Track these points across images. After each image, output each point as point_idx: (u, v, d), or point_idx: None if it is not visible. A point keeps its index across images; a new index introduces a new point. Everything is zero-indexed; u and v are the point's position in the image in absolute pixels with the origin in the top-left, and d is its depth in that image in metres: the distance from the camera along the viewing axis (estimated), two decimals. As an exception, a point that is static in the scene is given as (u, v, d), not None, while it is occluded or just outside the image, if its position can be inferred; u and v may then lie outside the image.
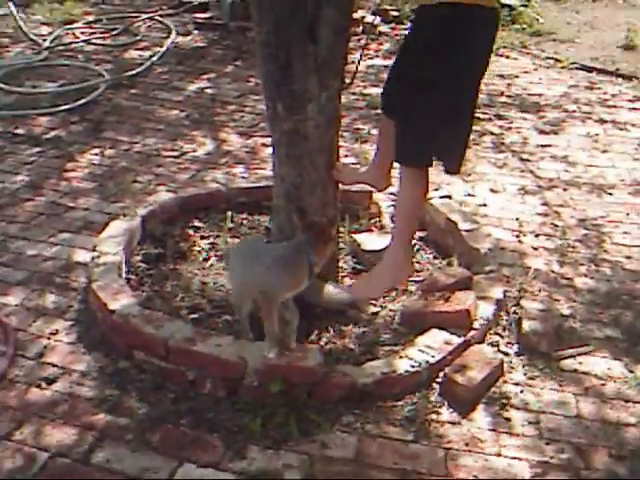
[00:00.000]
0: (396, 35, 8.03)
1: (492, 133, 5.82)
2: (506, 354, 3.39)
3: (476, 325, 3.38)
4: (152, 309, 3.38)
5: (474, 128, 5.67)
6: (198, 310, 3.50)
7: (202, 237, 4.09)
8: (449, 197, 4.45)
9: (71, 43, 7.56)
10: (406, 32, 7.85)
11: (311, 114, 3.28)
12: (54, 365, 3.26)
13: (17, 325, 3.49)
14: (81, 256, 4.01)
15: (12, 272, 3.89)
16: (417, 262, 3.93)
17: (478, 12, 2.86)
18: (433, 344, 3.24)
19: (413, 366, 3.12)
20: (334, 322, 3.47)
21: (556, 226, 4.56)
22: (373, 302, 3.59)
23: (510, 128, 5.95)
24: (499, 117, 6.14)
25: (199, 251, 3.98)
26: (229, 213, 4.19)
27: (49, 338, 3.43)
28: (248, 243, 3.76)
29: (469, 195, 4.80)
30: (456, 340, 3.27)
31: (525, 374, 3.29)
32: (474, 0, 2.84)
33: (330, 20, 3.23)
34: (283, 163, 3.40)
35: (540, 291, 3.88)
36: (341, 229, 3.79)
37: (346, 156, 5.21)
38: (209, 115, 5.89)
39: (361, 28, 7.50)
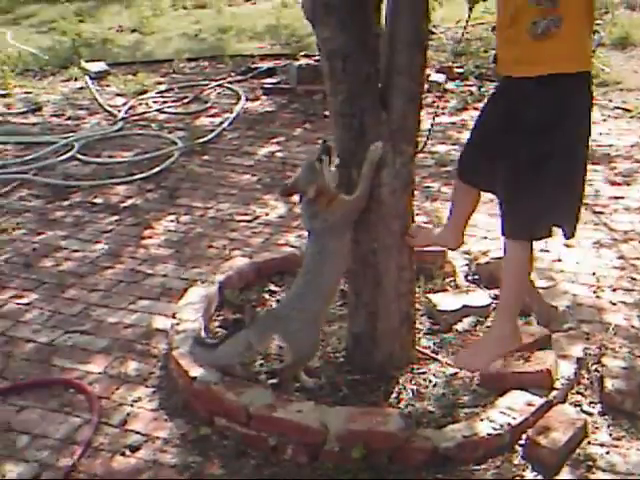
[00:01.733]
0: (461, 92, 8.07)
1: (563, 187, 5.76)
2: (589, 414, 3.33)
3: (557, 385, 3.34)
4: (232, 375, 3.42)
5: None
6: (277, 375, 3.52)
7: (278, 301, 4.13)
8: (523, 254, 4.41)
9: (144, 113, 7.80)
10: (472, 88, 7.86)
11: (386, 180, 3.33)
12: (137, 432, 3.32)
13: (101, 393, 3.57)
14: (161, 323, 4.10)
15: (94, 340, 4.00)
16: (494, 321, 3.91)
17: (582, 78, 2.86)
18: (514, 405, 3.20)
19: (495, 429, 3.08)
20: (413, 384, 3.46)
21: (634, 279, 4.48)
22: (451, 364, 3.57)
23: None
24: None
25: (275, 315, 4.01)
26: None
27: (132, 405, 3.50)
28: None
29: (543, 251, 4.75)
30: (538, 401, 3.23)
31: (610, 434, 3.23)
32: (578, 67, 2.84)
33: (402, 87, 3.31)
34: (358, 228, 3.44)
35: (621, 347, 3.80)
36: (416, 289, 3.79)
37: (417, 214, 5.21)
38: (280, 179, 5.99)
39: (426, 86, 7.58)
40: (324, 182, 3.31)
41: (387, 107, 3.32)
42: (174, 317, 3.89)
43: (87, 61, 9.40)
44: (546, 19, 2.76)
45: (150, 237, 5.14)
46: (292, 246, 4.74)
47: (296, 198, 3.47)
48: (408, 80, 3.32)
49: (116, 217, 5.46)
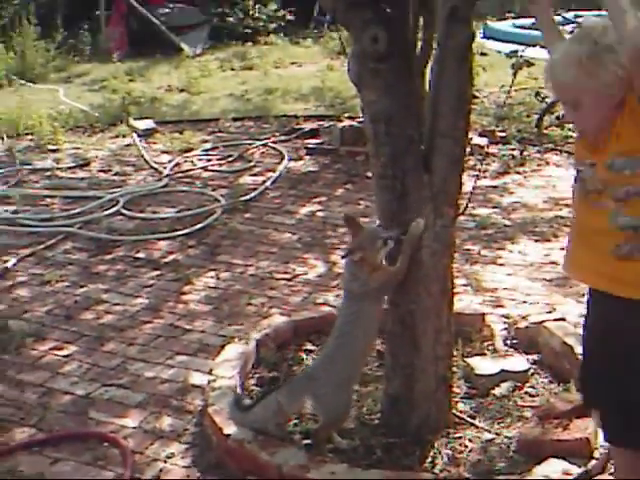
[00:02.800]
0: (503, 156, 8.08)
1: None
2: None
3: (596, 454, 3.26)
4: (266, 434, 3.40)
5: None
6: (311, 434, 3.50)
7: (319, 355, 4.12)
8: (563, 319, 4.35)
9: (189, 170, 7.93)
10: (514, 152, 7.82)
11: (426, 242, 3.34)
12: (170, 489, 3.31)
13: (135, 447, 3.57)
14: (197, 379, 4.10)
15: (131, 394, 4.01)
16: (532, 387, 3.86)
17: None
18: (552, 474, 3.13)
19: (532, 498, 3.02)
20: (448, 448, 3.41)
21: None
22: (488, 429, 3.52)
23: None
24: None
25: (311, 374, 4.00)
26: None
27: (165, 461, 3.49)
28: None
29: (583, 316, 4.68)
30: (576, 470, 3.15)
31: (651, 509, 3.13)
32: None
33: (445, 151, 3.34)
34: (398, 290, 3.43)
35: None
36: (454, 352, 3.76)
37: (456, 277, 5.19)
38: (320, 238, 6.02)
39: (468, 149, 7.60)
40: (374, 259, 3.33)
41: (429, 170, 3.35)
42: (210, 373, 3.90)
43: (135, 119, 9.60)
44: (629, 244, 2.52)
45: (190, 293, 5.18)
46: (330, 305, 4.73)
47: (337, 258, 3.49)
48: (451, 143, 3.35)
49: (157, 272, 5.51)
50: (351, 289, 3.43)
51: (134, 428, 3.73)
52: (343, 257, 3.45)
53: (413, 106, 3.36)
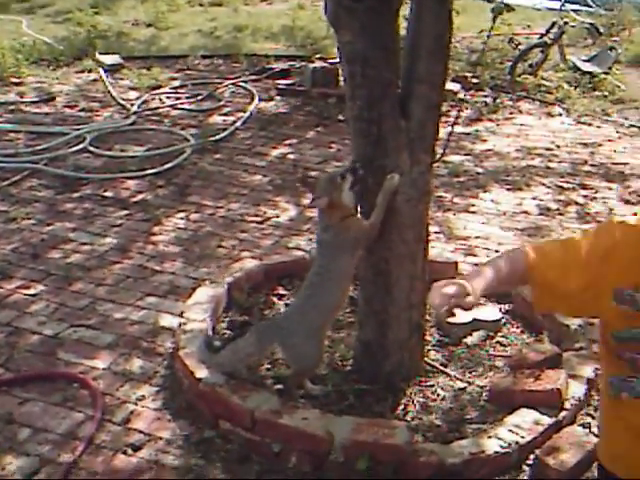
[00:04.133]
0: (476, 102, 8.04)
1: (577, 203, 5.73)
2: (599, 437, 3.27)
3: (567, 405, 3.29)
4: (238, 378, 3.38)
5: (558, 197, 5.61)
6: (283, 380, 3.49)
7: (286, 305, 4.10)
8: (535, 269, 4.36)
9: (157, 108, 7.77)
10: (487, 99, 7.78)
11: (402, 188, 3.29)
12: (140, 431, 3.29)
13: (104, 389, 3.54)
14: (167, 321, 4.06)
15: (100, 335, 3.96)
16: (504, 337, 3.87)
17: None
18: (523, 424, 3.16)
19: (502, 447, 3.04)
20: (420, 396, 3.42)
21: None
22: (460, 378, 3.53)
23: (595, 198, 5.86)
24: (583, 187, 6.05)
25: (283, 319, 3.98)
26: (313, 281, 4.20)
27: (136, 403, 3.47)
28: None
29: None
30: (547, 420, 3.19)
31: (619, 458, 3.17)
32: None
33: (422, 96, 3.27)
34: (372, 235, 3.39)
35: (631, 369, 3.76)
36: (427, 300, 3.75)
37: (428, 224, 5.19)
38: (291, 181, 5.95)
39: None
40: (339, 198, 3.27)
41: (406, 115, 3.28)
42: (181, 316, 3.86)
43: (101, 53, 9.36)
44: None
45: (159, 233, 5.11)
46: (302, 250, 4.70)
47: (307, 201, 3.44)
48: (428, 88, 3.29)
49: (126, 211, 5.42)
50: (323, 240, 3.37)
51: (104, 369, 3.69)
52: (309, 206, 3.36)
53: (391, 48, 3.24)
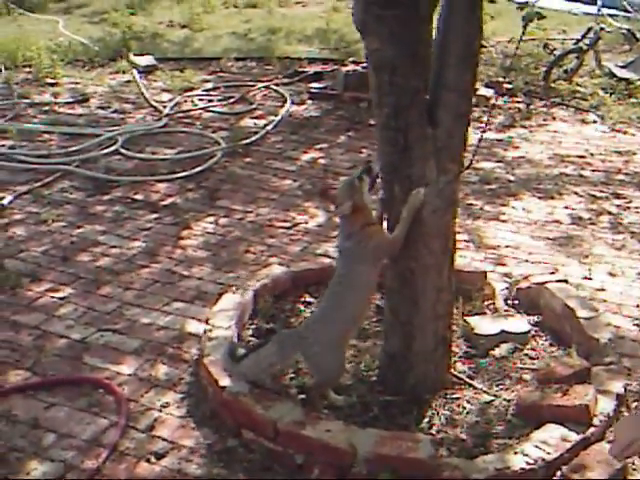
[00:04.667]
0: (509, 108, 7.97)
1: (609, 212, 5.65)
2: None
3: (596, 421, 3.23)
4: (262, 387, 3.36)
5: (591, 207, 5.52)
6: (307, 390, 3.46)
7: (312, 312, 4.07)
8: (565, 281, 4.31)
9: (190, 110, 7.79)
10: (520, 105, 7.69)
11: (428, 198, 3.26)
12: (164, 439, 3.29)
13: (130, 395, 3.55)
14: (193, 327, 4.07)
15: (127, 340, 3.98)
16: (532, 349, 3.82)
17: None
18: (550, 440, 3.10)
19: (528, 463, 2.99)
20: (446, 409, 3.39)
21: None
22: (486, 391, 3.49)
23: (629, 207, 5.77)
24: (617, 196, 5.96)
25: (309, 327, 3.96)
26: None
27: (160, 410, 3.47)
28: None
29: (586, 278, 4.64)
30: (574, 437, 3.13)
31: (650, 479, 3.12)
32: None
33: (450, 104, 3.24)
34: (398, 246, 3.36)
35: (663, 385, 3.69)
36: (454, 311, 3.71)
37: (458, 232, 5.14)
38: (321, 186, 5.93)
39: (474, 100, 7.49)
40: (361, 200, 3.26)
41: (434, 123, 3.25)
42: (207, 323, 3.85)
43: (136, 54, 9.42)
44: None
45: (188, 237, 5.12)
46: (330, 257, 4.67)
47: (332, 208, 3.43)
48: (457, 96, 3.25)
49: (155, 215, 5.44)
50: (345, 248, 3.35)
51: (129, 375, 3.70)
52: (334, 213, 3.34)
53: (419, 56, 3.20)
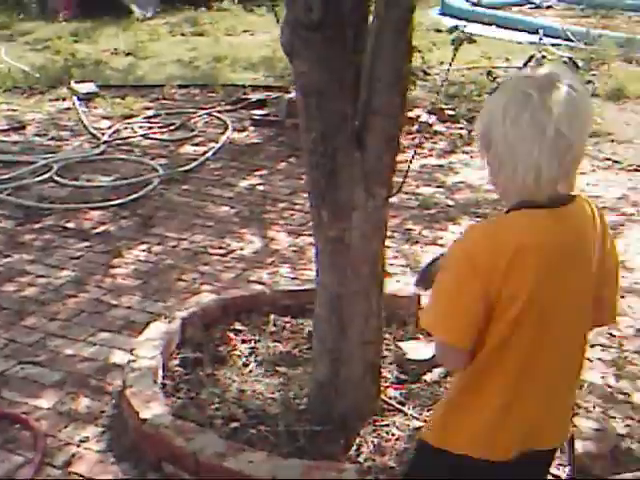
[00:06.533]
0: (451, 135, 7.99)
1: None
2: (557, 477, 3.17)
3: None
4: (185, 418, 3.27)
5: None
6: (233, 420, 3.38)
7: (243, 341, 3.99)
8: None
9: (129, 137, 7.68)
10: (462, 132, 7.76)
11: (356, 223, 3.20)
12: (80, 475, 3.17)
13: (47, 430, 3.42)
14: (119, 357, 3.95)
15: (48, 372, 3.85)
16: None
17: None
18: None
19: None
20: (374, 436, 3.31)
21: (613, 336, 4.34)
22: (417, 417, 3.42)
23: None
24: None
25: (238, 355, 3.88)
26: (272, 317, 4.12)
27: (79, 445, 3.35)
28: None
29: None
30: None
31: (578, 501, 3.07)
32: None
33: (379, 129, 3.18)
34: (326, 271, 3.31)
35: (595, 407, 3.67)
36: (386, 336, 3.65)
37: (395, 257, 5.12)
38: (259, 212, 5.86)
39: (416, 127, 7.51)
40: None
41: (362, 147, 3.20)
42: (131, 353, 3.74)
43: (77, 82, 9.27)
44: None
45: (119, 266, 5.00)
46: (263, 283, 4.59)
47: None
48: (386, 121, 3.19)
49: (86, 243, 5.31)
50: None
51: (48, 409, 3.57)
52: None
53: (347, 80, 3.16)
